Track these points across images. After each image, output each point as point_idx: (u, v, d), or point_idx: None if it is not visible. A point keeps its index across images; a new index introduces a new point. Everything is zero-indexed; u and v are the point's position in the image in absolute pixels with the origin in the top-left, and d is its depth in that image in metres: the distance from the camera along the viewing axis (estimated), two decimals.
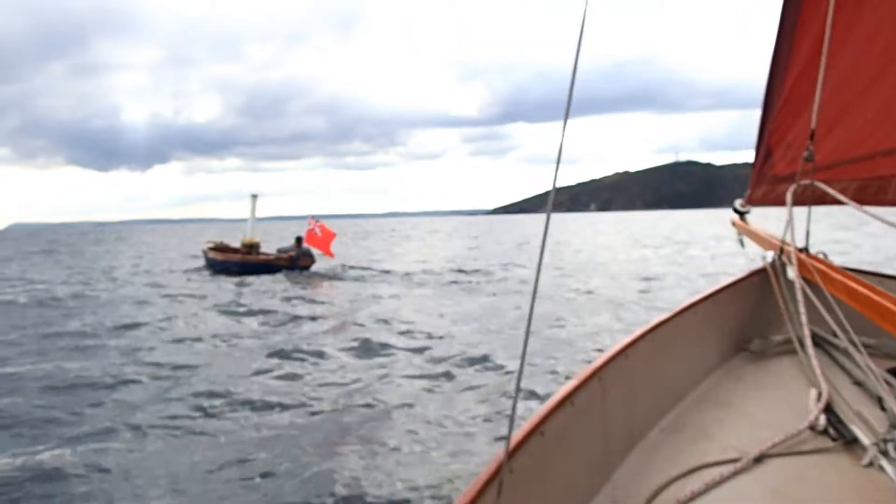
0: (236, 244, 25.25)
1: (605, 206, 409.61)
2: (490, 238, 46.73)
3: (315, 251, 22.74)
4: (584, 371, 1.97)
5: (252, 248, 23.49)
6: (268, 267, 22.08)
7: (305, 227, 22.43)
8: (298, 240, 22.86)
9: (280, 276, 20.39)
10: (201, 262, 25.52)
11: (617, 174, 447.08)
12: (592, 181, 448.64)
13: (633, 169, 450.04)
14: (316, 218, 22.69)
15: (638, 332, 2.32)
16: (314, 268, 22.68)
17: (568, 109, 1.35)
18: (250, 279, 19.94)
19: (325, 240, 22.23)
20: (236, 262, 23.05)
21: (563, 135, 1.37)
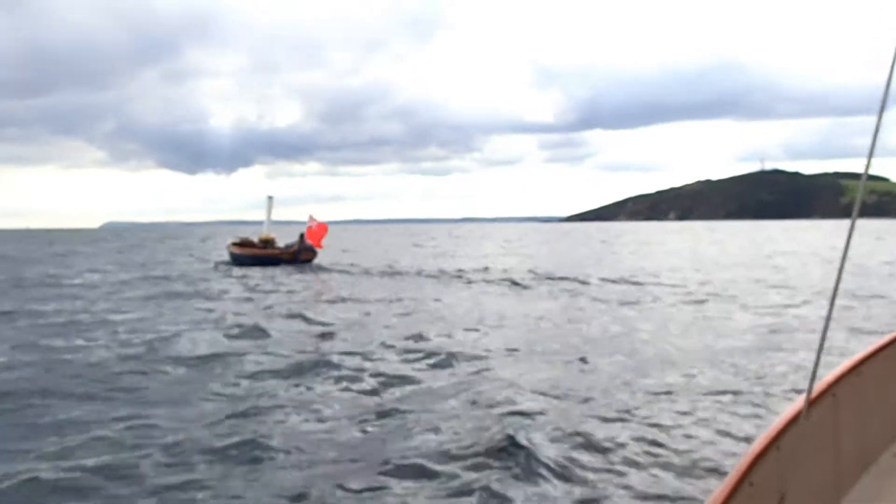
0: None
1: (684, 215, 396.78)
2: (588, 244, 45.84)
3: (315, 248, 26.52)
4: (816, 386, 1.84)
5: (267, 243, 26.46)
6: (274, 260, 24.90)
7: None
8: (301, 236, 25.50)
9: (282, 269, 24.26)
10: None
11: (698, 182, 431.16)
12: (672, 189, 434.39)
13: (714, 177, 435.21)
14: (313, 217, 25.77)
15: (872, 346, 2.12)
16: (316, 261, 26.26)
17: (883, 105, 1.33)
18: (255, 270, 23.19)
19: (319, 235, 25.20)
20: (249, 255, 25.91)
21: (877, 126, 1.34)
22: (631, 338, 11.07)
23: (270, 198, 27.71)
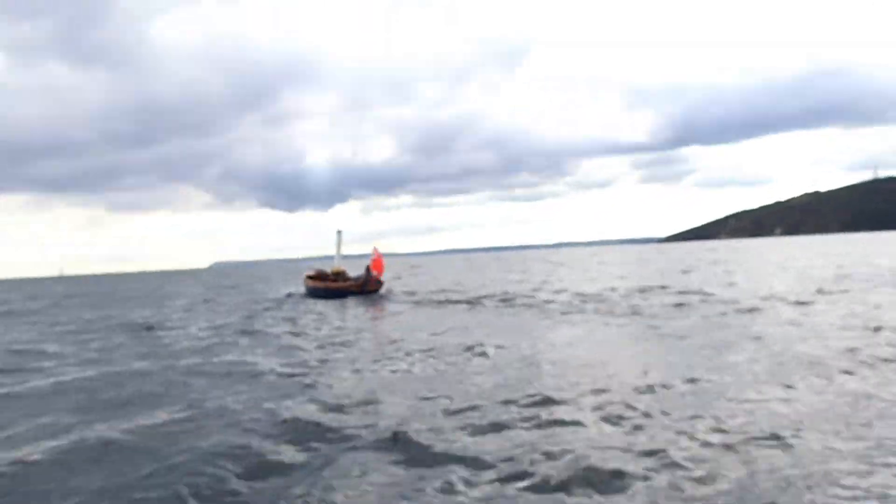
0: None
1: (792, 230, 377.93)
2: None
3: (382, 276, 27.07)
4: None
5: (339, 275, 27.23)
6: (343, 292, 25.67)
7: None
8: (367, 268, 26.48)
9: (348, 300, 24.36)
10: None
11: (806, 195, 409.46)
12: (777, 203, 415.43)
13: (823, 188, 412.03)
14: (377, 249, 26.72)
15: None
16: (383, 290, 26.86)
17: None
18: (322, 303, 23.95)
19: (380, 266, 26.45)
20: (321, 287, 26.90)
21: None
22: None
23: (339, 232, 28.97)
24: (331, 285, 26.61)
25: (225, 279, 77.96)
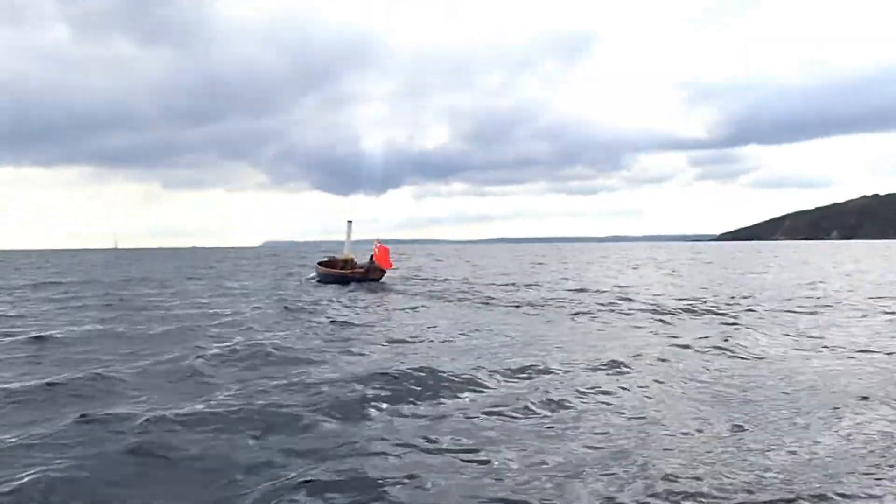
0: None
1: (849, 234, 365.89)
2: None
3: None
4: None
5: (347, 263, 29.00)
6: (350, 279, 27.46)
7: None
8: (371, 258, 28.18)
9: (354, 286, 26.19)
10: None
11: (864, 197, 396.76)
12: (834, 205, 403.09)
13: (882, 191, 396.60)
14: (380, 240, 28.59)
15: None
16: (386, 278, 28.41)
17: None
18: (330, 287, 26.21)
19: (385, 256, 27.88)
20: (329, 274, 28.86)
21: None
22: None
23: (350, 223, 30.72)
24: (340, 272, 28.41)
25: (270, 258, 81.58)
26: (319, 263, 31.04)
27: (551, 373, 8.99)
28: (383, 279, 27.90)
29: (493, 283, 26.91)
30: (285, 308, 18.34)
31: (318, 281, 29.68)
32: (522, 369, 9.19)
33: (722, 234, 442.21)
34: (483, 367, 9.30)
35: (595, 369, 9.26)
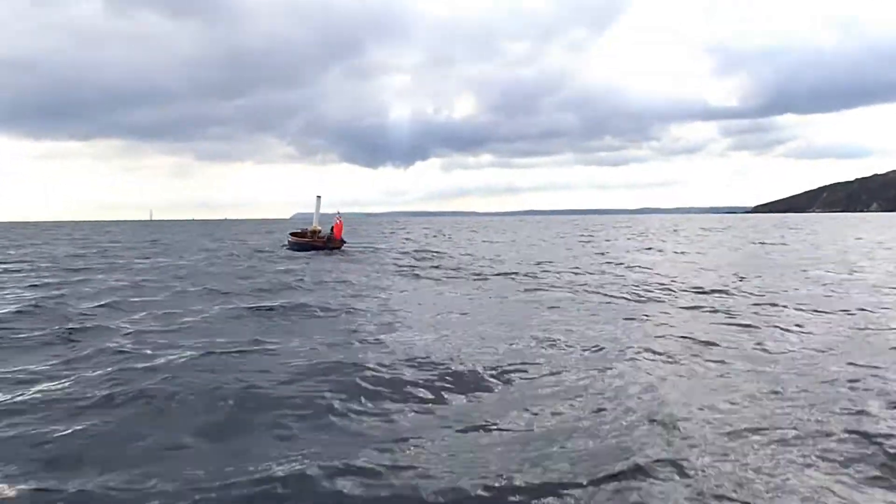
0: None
1: (891, 206, 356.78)
2: None
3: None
4: None
5: (314, 233, 33.36)
6: (312, 246, 32.21)
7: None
8: (332, 229, 32.70)
9: (317, 253, 30.59)
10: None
11: None
12: (875, 176, 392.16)
13: None
14: (339, 214, 33.47)
15: None
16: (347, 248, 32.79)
17: None
18: (300, 254, 30.25)
19: (338, 229, 32.55)
20: (295, 242, 33.76)
21: None
22: None
23: (319, 198, 34.10)
24: (307, 241, 32.85)
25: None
26: (291, 234, 35.94)
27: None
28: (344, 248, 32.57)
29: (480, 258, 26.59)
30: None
31: (290, 248, 33.85)
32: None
33: (757, 207, 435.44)
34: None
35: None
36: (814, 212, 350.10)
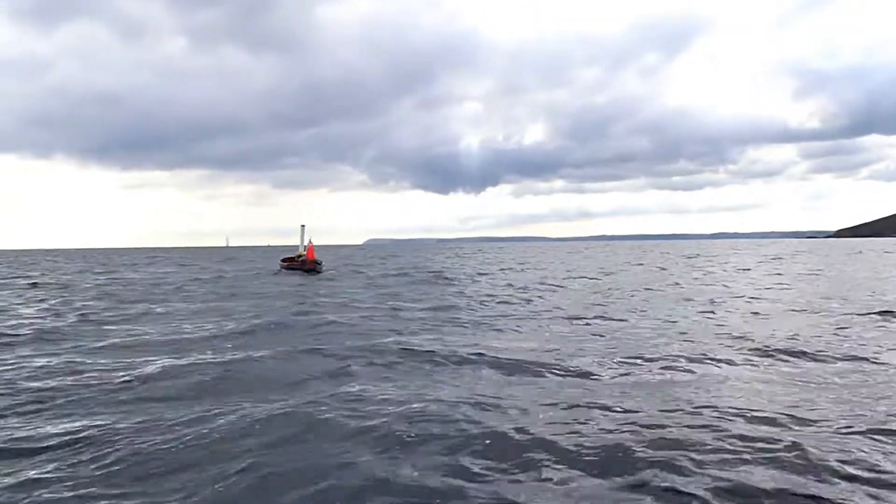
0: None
1: None
2: None
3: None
4: None
5: (300, 258, 38.61)
6: (294, 269, 37.74)
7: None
8: (305, 254, 38.05)
9: (297, 274, 35.67)
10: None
11: None
12: None
13: None
14: (311, 240, 38.88)
15: None
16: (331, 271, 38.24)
17: None
18: (285, 274, 35.73)
19: (310, 251, 37.99)
20: (282, 266, 39.61)
21: None
22: None
23: (303, 226, 39.31)
24: (292, 265, 38.81)
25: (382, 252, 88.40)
26: (282, 259, 41.15)
27: None
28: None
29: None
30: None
31: (281, 270, 39.27)
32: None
33: (839, 231, 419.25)
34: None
35: None
36: None
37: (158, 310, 17.98)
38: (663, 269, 36.86)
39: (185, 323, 14.90)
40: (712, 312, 15.04)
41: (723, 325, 12.89)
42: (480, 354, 9.79)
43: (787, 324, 12.84)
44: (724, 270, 33.57)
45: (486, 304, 18.13)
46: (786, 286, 22.44)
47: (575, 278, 29.17)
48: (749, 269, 33.85)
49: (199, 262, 61.79)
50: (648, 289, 22.22)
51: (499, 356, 9.62)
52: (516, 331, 12.82)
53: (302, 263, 37.71)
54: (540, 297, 20.06)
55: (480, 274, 33.72)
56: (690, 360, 9.22)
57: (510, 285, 25.11)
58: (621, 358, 9.47)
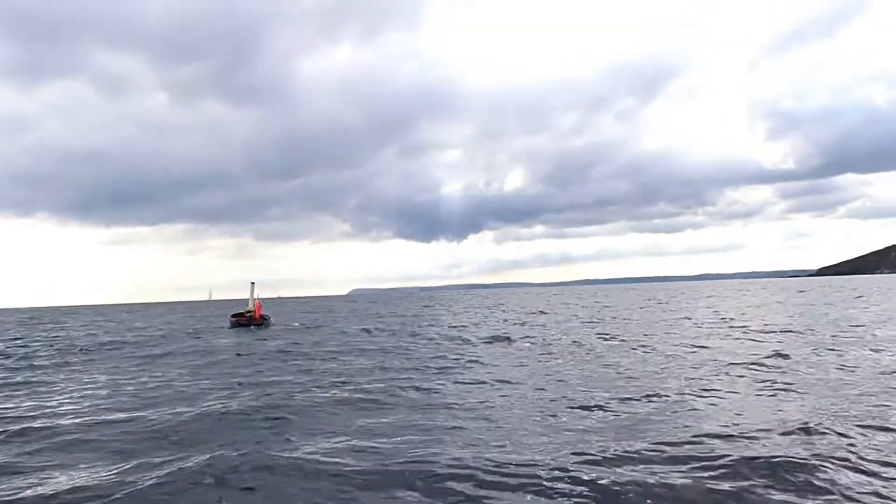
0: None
1: None
2: None
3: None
4: None
5: (247, 314, 40.29)
6: (241, 324, 39.49)
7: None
8: (252, 310, 39.99)
9: (242, 329, 37.67)
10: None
11: None
12: None
13: None
14: (258, 297, 40.88)
15: None
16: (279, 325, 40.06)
17: None
18: (234, 330, 36.92)
19: (258, 308, 40.09)
20: (231, 321, 40.67)
21: None
22: None
23: (253, 283, 41.02)
24: (240, 320, 40.25)
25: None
26: (231, 315, 42.23)
27: None
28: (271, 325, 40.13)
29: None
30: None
31: (231, 326, 40.34)
32: None
33: (821, 269, 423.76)
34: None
35: None
36: (881, 273, 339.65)
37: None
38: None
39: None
40: None
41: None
42: None
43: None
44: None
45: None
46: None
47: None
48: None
49: (174, 314, 62.34)
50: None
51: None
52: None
53: (249, 319, 39.43)
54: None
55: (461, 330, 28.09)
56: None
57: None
58: None
